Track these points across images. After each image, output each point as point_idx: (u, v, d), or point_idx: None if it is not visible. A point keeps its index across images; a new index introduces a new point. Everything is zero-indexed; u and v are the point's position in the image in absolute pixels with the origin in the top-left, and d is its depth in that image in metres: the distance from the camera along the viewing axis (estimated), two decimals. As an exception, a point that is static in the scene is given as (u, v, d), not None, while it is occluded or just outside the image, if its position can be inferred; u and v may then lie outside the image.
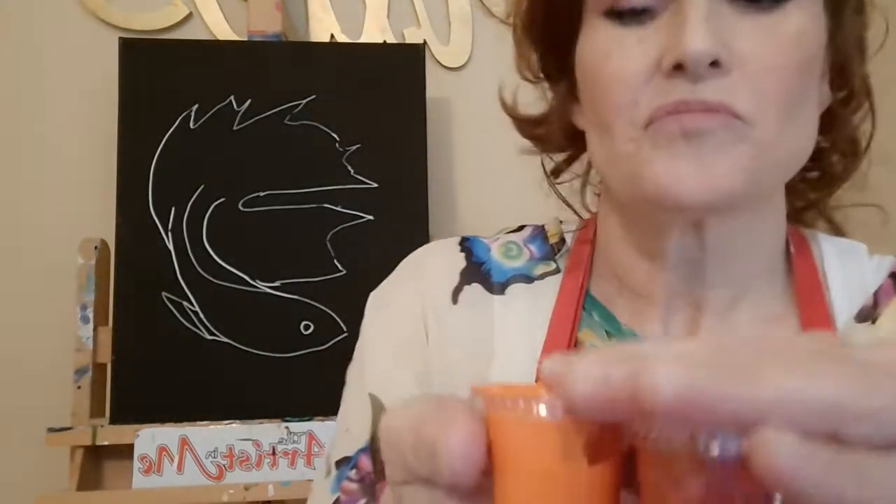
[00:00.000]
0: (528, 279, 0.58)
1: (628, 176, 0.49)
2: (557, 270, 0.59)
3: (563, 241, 0.61)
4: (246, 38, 1.36)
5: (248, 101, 1.30)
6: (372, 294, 0.61)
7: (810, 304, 0.55)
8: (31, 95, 1.35)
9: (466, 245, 0.60)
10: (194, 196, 1.29)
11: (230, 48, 1.36)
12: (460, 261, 0.58)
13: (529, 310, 0.56)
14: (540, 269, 0.59)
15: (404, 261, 0.61)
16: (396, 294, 0.58)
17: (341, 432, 0.55)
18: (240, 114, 1.30)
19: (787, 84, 0.45)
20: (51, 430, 1.18)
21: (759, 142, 0.44)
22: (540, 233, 0.62)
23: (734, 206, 0.46)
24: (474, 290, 0.57)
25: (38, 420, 1.20)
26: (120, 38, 1.30)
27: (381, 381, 0.55)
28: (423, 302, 0.56)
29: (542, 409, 0.24)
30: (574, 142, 0.60)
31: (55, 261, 1.32)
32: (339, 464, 0.53)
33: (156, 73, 1.30)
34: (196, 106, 1.29)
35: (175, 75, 1.30)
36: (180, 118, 1.29)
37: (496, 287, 0.57)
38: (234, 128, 1.30)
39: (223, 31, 1.41)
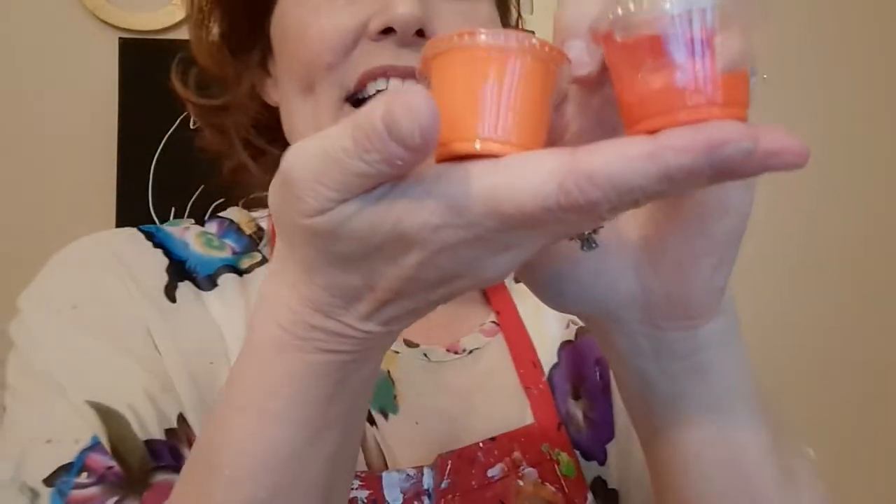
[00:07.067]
0: (238, 272, 0.55)
1: None
2: (265, 260, 0.57)
3: (260, 229, 0.60)
4: (246, 38, 1.36)
5: (248, 101, 1.30)
6: (29, 295, 0.51)
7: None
8: (30, 95, 1.35)
9: (158, 241, 0.55)
10: (194, 196, 1.28)
11: (230, 48, 1.36)
12: (161, 258, 0.54)
13: (246, 309, 0.53)
14: (246, 262, 0.56)
15: (79, 252, 0.53)
16: (91, 289, 0.50)
17: (38, 446, 0.44)
18: (240, 114, 1.30)
19: None
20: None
21: None
22: (230, 225, 0.60)
23: None
24: (187, 289, 0.53)
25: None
26: (120, 38, 1.30)
27: (99, 383, 0.46)
28: (136, 297, 0.50)
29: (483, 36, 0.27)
30: (265, 128, 0.60)
31: (55, 261, 1.31)
32: (52, 478, 0.43)
33: (156, 73, 1.30)
34: (196, 106, 1.29)
35: (175, 75, 1.30)
36: (180, 118, 1.29)
37: (204, 282, 0.54)
38: (234, 128, 1.30)
39: (223, 30, 1.40)
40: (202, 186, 1.28)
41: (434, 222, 0.27)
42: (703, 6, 0.26)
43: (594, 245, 0.35)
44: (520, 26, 0.65)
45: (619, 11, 0.27)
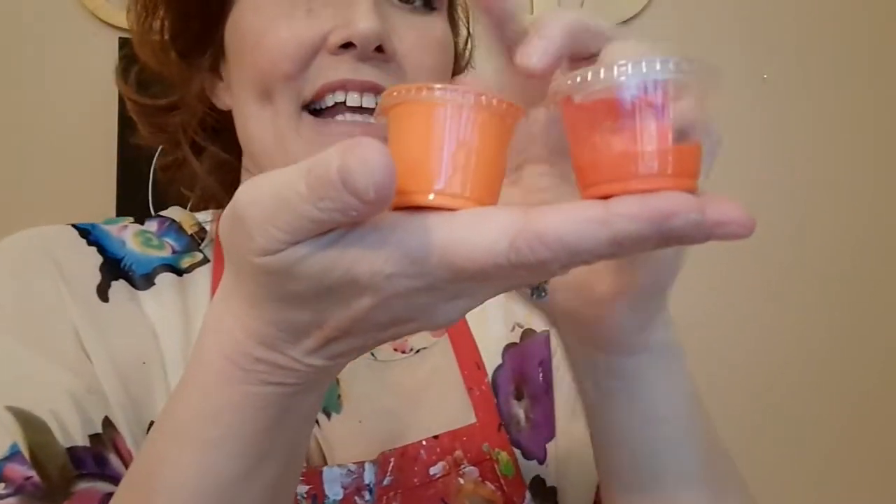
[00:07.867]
0: (177, 272, 0.55)
1: (291, 153, 0.50)
2: (206, 260, 0.56)
3: (203, 230, 0.59)
4: (246, 38, 1.35)
5: (248, 101, 1.30)
6: None
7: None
8: (30, 95, 1.35)
9: (93, 239, 0.54)
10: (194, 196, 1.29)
11: (230, 48, 1.35)
12: (95, 256, 0.53)
13: (183, 309, 0.53)
14: (187, 262, 0.56)
15: (7, 249, 0.51)
16: (17, 288, 0.49)
17: None
18: (240, 114, 1.30)
19: (436, 80, 0.49)
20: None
21: None
22: (171, 225, 0.59)
23: None
24: (121, 287, 0.52)
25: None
26: (120, 38, 1.30)
27: (21, 387, 0.45)
28: (66, 298, 0.49)
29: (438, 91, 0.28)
30: (210, 129, 0.60)
31: (55, 261, 1.31)
32: None
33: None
34: (196, 106, 1.29)
35: (175, 75, 1.30)
36: (180, 118, 1.29)
37: (140, 281, 0.53)
38: (234, 128, 1.30)
39: (223, 30, 1.40)
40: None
41: (388, 271, 0.27)
42: (656, 78, 0.26)
43: (543, 295, 0.37)
44: (469, 45, 0.66)
45: (577, 79, 0.27)
